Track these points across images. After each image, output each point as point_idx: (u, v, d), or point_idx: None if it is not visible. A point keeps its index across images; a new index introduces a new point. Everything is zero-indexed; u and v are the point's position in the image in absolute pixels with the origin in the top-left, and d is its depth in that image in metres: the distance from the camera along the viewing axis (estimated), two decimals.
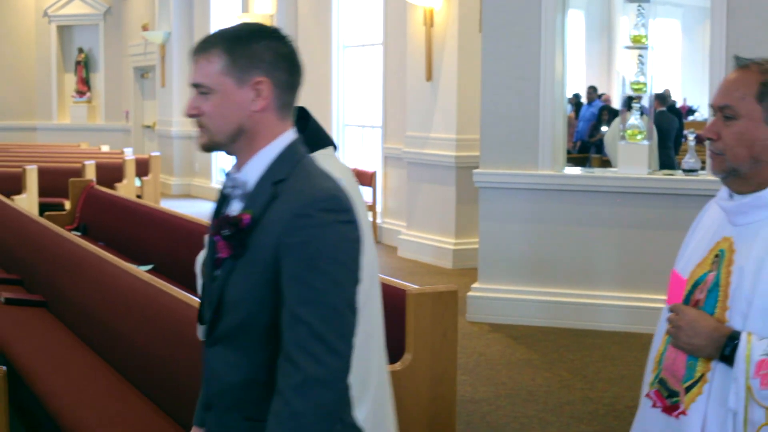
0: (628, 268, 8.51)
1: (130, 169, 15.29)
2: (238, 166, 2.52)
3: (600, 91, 17.88)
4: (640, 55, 8.82)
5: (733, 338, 2.57)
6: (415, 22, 11.76)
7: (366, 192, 13.56)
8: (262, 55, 2.43)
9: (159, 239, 8.23)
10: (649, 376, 2.88)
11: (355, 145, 14.74)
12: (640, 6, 8.77)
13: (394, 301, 5.09)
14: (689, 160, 8.56)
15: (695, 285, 2.74)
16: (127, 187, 14.76)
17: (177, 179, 19.95)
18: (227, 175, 2.58)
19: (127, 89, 23.14)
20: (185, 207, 14.52)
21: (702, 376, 2.65)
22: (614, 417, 6.36)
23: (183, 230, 7.87)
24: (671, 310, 2.74)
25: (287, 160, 2.46)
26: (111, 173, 14.78)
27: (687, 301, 2.75)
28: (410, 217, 12.21)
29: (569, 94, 13.53)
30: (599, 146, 15.95)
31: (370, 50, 14.17)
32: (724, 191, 2.78)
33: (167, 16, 19.80)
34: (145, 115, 22.59)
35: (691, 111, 18.90)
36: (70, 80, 24.34)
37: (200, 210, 15.96)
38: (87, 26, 24.01)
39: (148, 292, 5.19)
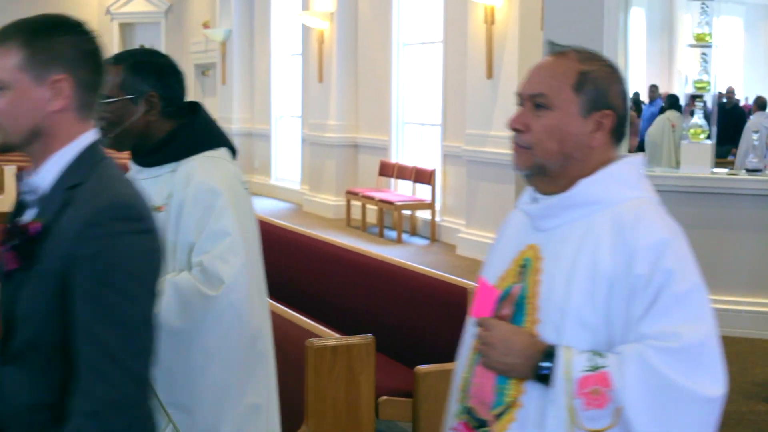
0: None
1: None
2: (34, 169, 2.28)
3: (661, 90, 17.72)
4: (703, 54, 8.74)
5: (550, 354, 2.27)
6: (476, 19, 11.73)
7: (425, 190, 13.56)
8: (64, 50, 2.25)
9: None
10: (454, 406, 2.53)
11: (415, 143, 14.73)
12: (703, 4, 8.69)
13: (454, 298, 5.10)
14: (752, 159, 8.47)
15: (501, 299, 2.42)
16: None
17: None
18: (21, 179, 2.34)
19: (187, 86, 23.23)
20: None
21: (514, 400, 2.33)
22: None
23: None
24: (479, 324, 2.40)
25: (84, 163, 2.23)
26: None
27: (495, 317, 2.42)
28: (469, 215, 12.18)
29: (630, 93, 13.43)
30: None
31: (430, 48, 14.16)
32: (526, 195, 2.52)
33: (228, 13, 19.91)
34: None
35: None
36: None
37: (260, 207, 16.04)
38: (148, 24, 24.22)
39: None
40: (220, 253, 3.13)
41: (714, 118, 8.85)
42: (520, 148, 2.40)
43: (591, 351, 2.25)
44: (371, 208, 14.13)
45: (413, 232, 13.79)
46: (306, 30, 16.72)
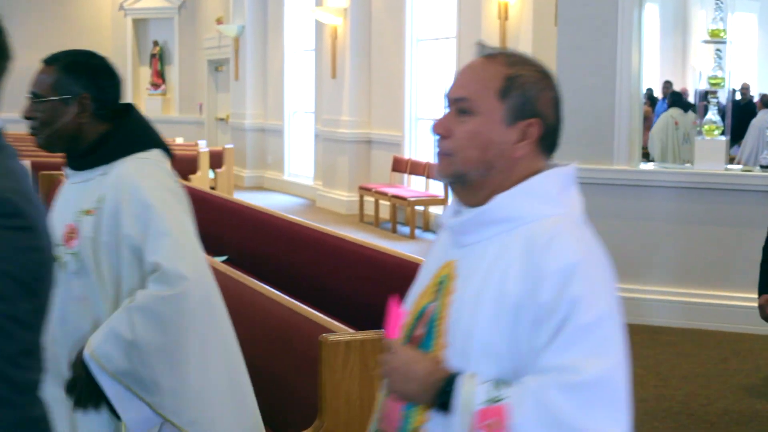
0: (704, 264, 8.41)
1: (204, 162, 15.44)
2: None
3: (674, 86, 17.68)
4: (717, 50, 8.71)
5: (451, 382, 2.12)
6: (490, 15, 11.72)
7: (438, 186, 13.57)
8: None
9: (233, 231, 8.29)
10: (371, 427, 2.43)
11: (428, 138, 14.71)
12: (718, 0, 8.67)
13: None
14: (766, 156, 8.45)
15: (418, 318, 2.29)
16: (201, 179, 14.91)
17: (250, 171, 20.08)
18: None
19: (200, 82, 23.35)
20: (258, 199, 14.62)
21: (418, 428, 2.21)
22: (688, 415, 6.30)
23: (257, 222, 7.92)
24: (385, 347, 2.27)
25: None
26: (185, 165, 14.93)
27: (410, 337, 2.29)
28: None
29: (643, 89, 13.43)
30: None
31: (443, 44, 14.15)
32: (452, 206, 2.34)
33: (241, 9, 19.93)
34: (218, 107, 22.78)
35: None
36: (145, 73, 24.62)
37: (273, 202, 16.09)
38: (162, 19, 24.27)
39: (224, 283, 5.24)
40: (171, 252, 3.10)
41: (728, 114, 8.83)
42: (442, 155, 2.25)
43: (494, 381, 2.09)
44: (384, 203, 14.13)
45: (426, 228, 13.79)
46: (319, 26, 16.73)
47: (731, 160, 10.63)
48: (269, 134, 19.82)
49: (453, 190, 2.29)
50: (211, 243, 8.46)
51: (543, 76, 2.26)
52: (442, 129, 2.26)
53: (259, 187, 19.65)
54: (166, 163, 3.33)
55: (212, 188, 14.78)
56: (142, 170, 3.22)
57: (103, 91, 3.29)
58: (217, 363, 3.26)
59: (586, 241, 2.18)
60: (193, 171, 15.02)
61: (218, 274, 5.35)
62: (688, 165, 9.37)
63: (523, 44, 11.28)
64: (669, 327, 8.30)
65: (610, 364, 2.04)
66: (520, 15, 11.32)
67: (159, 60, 24.34)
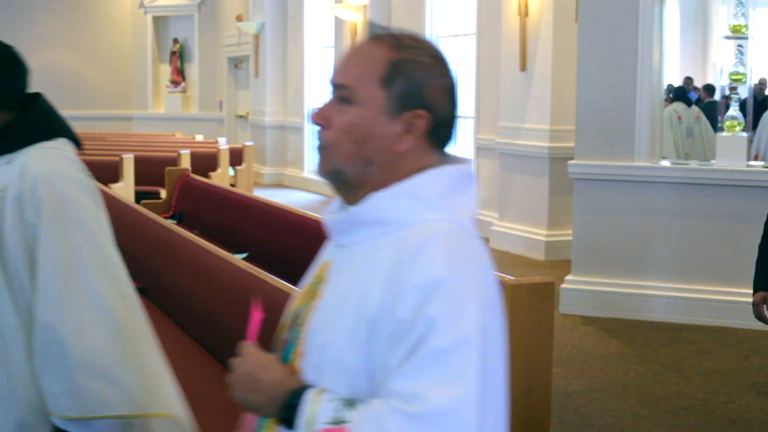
0: (725, 261, 8.37)
1: (225, 159, 15.46)
2: None
3: (695, 83, 17.63)
4: (739, 45, 8.67)
5: (299, 396, 1.92)
6: (510, 11, 11.70)
7: None
8: None
9: (253, 228, 8.30)
10: None
11: None
12: None
13: None
14: None
15: (293, 320, 2.12)
16: (221, 176, 14.93)
17: (269, 169, 20.11)
18: None
19: (220, 79, 23.39)
20: (278, 196, 14.64)
21: None
22: (708, 413, 6.27)
23: (277, 219, 7.93)
24: (237, 351, 2.10)
25: None
26: (205, 162, 14.96)
27: (278, 342, 2.15)
28: (502, 208, 12.16)
29: (664, 85, 13.41)
30: None
31: (463, 40, 14.13)
32: (336, 201, 2.11)
33: (261, 6, 19.95)
34: (238, 104, 22.82)
35: None
36: (165, 70, 24.68)
37: (293, 199, 16.10)
38: (182, 17, 24.32)
39: (245, 280, 5.24)
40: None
41: (750, 110, 8.79)
42: (319, 148, 2.02)
43: (344, 400, 1.89)
44: None
45: None
46: (339, 22, 16.73)
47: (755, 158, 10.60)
48: (289, 131, 19.84)
49: (333, 188, 2.06)
50: (232, 240, 8.48)
51: (435, 62, 2.01)
52: (320, 119, 2.01)
53: (279, 185, 19.68)
54: (72, 152, 3.26)
55: (232, 185, 14.79)
56: (45, 159, 3.15)
57: (7, 80, 3.21)
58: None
59: (460, 254, 1.90)
60: (214, 168, 15.04)
61: (238, 271, 5.37)
62: (711, 162, 9.31)
63: (543, 40, 11.25)
64: (690, 324, 8.27)
65: (458, 395, 1.80)
66: (540, 11, 11.29)
67: (179, 57, 24.39)
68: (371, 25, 2.04)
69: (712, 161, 8.80)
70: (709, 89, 13.40)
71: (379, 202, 1.96)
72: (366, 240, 1.97)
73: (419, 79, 1.97)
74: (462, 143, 14.17)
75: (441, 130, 2.01)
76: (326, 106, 2.01)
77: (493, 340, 1.90)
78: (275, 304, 4.72)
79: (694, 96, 17.10)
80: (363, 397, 1.88)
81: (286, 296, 4.67)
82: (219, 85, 23.47)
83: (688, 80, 17.60)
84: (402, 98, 1.96)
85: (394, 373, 1.83)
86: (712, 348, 7.68)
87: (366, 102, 1.96)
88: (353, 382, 1.91)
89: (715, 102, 12.82)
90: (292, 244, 7.46)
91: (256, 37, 20.19)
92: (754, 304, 5.19)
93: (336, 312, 1.95)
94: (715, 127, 12.58)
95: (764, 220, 5.43)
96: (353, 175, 1.98)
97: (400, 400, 1.80)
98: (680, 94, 13.16)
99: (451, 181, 1.99)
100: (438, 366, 1.80)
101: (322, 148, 2.01)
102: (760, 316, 5.14)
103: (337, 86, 2.00)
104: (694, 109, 12.68)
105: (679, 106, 12.66)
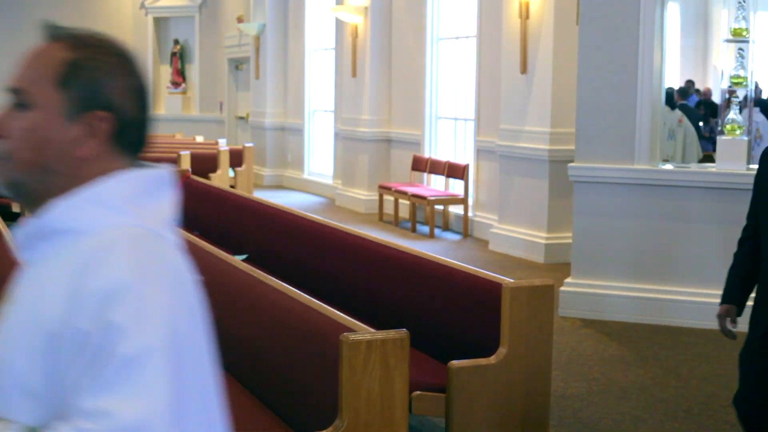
0: (725, 265, 8.35)
1: (225, 160, 15.47)
2: None
3: (696, 86, 17.64)
4: (740, 49, 8.67)
5: None
6: (511, 14, 11.70)
7: (458, 185, 13.55)
8: None
9: (253, 229, 8.30)
10: None
11: (448, 137, 14.71)
12: None
13: (488, 294, 5.09)
14: None
15: None
16: (221, 178, 14.94)
17: (269, 170, 20.10)
18: None
19: (221, 80, 23.39)
20: (277, 198, 14.63)
21: None
22: (708, 416, 6.27)
23: (278, 220, 7.93)
24: None
25: None
26: (205, 163, 14.97)
27: None
28: (502, 210, 12.15)
29: (663, 88, 13.42)
30: None
31: (464, 42, 14.13)
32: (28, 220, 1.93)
33: (262, 7, 19.95)
34: (238, 106, 22.82)
35: None
36: (166, 71, 24.68)
37: (293, 201, 16.10)
38: (183, 18, 24.33)
39: (244, 281, 5.24)
40: None
41: (751, 113, 8.79)
42: None
43: (27, 427, 1.73)
44: (404, 202, 14.12)
45: (446, 227, 13.77)
46: (340, 24, 16.73)
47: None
48: (289, 133, 19.84)
49: (16, 201, 1.93)
50: (232, 241, 8.48)
51: (119, 61, 1.89)
52: None
53: (279, 186, 19.67)
54: None
55: (232, 187, 14.80)
56: None
57: None
58: None
59: (147, 258, 1.78)
60: (214, 169, 15.05)
61: (239, 273, 5.37)
62: (710, 165, 9.31)
63: (544, 43, 11.25)
64: (689, 328, 8.27)
65: (147, 408, 1.66)
66: (541, 13, 11.29)
67: (179, 58, 24.39)
68: (49, 26, 1.92)
69: (709, 165, 8.80)
70: (682, 92, 13.41)
71: (60, 211, 1.81)
72: (51, 253, 1.82)
73: (99, 79, 1.85)
74: (462, 145, 14.18)
75: (128, 132, 1.88)
76: (3, 114, 1.86)
77: (191, 345, 1.78)
78: (275, 305, 4.72)
79: (695, 99, 17.11)
80: (49, 422, 1.72)
81: (285, 298, 4.67)
82: (219, 86, 23.48)
83: (689, 83, 17.61)
84: (81, 100, 1.83)
85: (79, 390, 1.68)
86: (712, 351, 7.67)
87: (41, 105, 1.83)
88: (39, 407, 1.75)
89: (684, 105, 12.84)
90: (291, 246, 7.46)
91: (257, 39, 20.19)
92: (719, 316, 4.83)
93: (18, 331, 1.79)
94: (699, 129, 12.62)
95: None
96: (34, 185, 1.85)
97: (86, 419, 1.65)
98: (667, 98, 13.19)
99: (141, 185, 1.87)
100: (124, 378, 1.67)
101: (1, 159, 1.85)
102: (723, 329, 4.79)
103: (13, 91, 1.86)
104: (677, 112, 12.68)
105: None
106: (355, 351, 3.84)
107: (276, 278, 5.16)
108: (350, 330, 3.97)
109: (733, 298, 4.83)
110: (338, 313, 4.32)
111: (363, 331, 3.95)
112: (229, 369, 5.11)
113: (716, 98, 15.06)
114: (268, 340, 4.66)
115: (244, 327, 4.99)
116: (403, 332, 3.95)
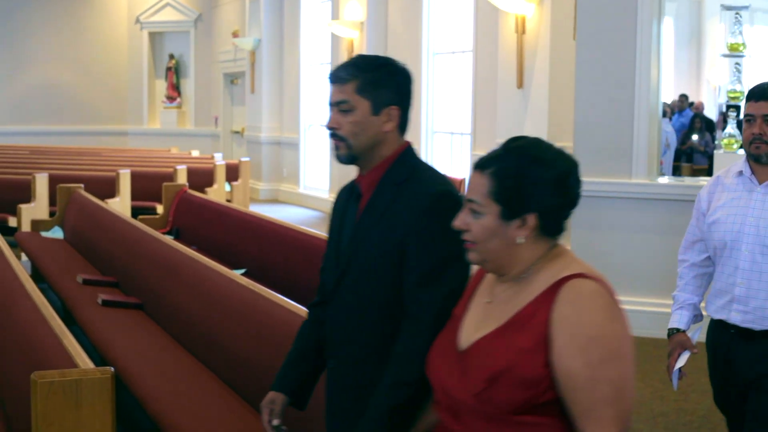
0: None
1: (221, 174, 15.46)
2: None
3: (689, 99, 17.69)
4: (736, 63, 8.69)
5: None
6: (507, 29, 11.72)
7: None
8: None
9: (251, 244, 8.29)
10: None
11: (444, 152, 14.72)
12: (737, 13, 8.65)
13: None
14: None
15: None
16: (218, 192, 14.93)
17: (265, 184, 20.11)
18: None
19: (216, 95, 23.40)
20: (273, 212, 14.63)
21: None
22: (709, 429, 6.26)
23: (274, 235, 7.92)
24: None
25: None
26: (202, 178, 14.96)
27: None
28: None
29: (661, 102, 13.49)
30: (689, 155, 15.82)
31: (460, 57, 14.15)
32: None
33: (257, 22, 19.97)
34: (234, 120, 22.83)
35: None
36: (161, 86, 24.69)
37: (288, 215, 16.09)
38: (178, 33, 24.35)
39: (243, 295, 5.23)
40: None
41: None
42: None
43: None
44: None
45: None
46: (335, 39, 16.75)
47: None
48: (285, 147, 19.84)
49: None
50: (229, 255, 8.46)
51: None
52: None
53: (275, 200, 19.67)
54: None
55: (228, 201, 14.79)
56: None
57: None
58: None
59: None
60: (210, 184, 15.04)
61: (237, 287, 5.36)
62: (708, 179, 9.33)
63: (540, 58, 11.27)
64: None
65: None
66: (537, 29, 11.31)
67: (175, 73, 24.40)
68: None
69: (707, 179, 8.79)
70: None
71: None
72: None
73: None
74: (459, 160, 14.19)
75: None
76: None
77: None
78: (275, 320, 4.72)
79: (689, 113, 17.15)
80: None
81: (285, 312, 4.66)
82: (215, 100, 23.48)
83: (683, 97, 17.65)
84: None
85: None
86: None
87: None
88: None
89: (695, 117, 12.90)
90: (289, 260, 7.45)
91: (252, 53, 20.21)
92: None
93: None
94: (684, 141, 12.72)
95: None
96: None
97: None
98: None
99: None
100: None
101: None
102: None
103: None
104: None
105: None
106: None
107: (274, 291, 5.16)
108: None
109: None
110: None
111: None
112: (232, 385, 5.10)
113: (708, 111, 15.18)
114: (266, 354, 4.65)
115: (243, 340, 4.97)
116: None
